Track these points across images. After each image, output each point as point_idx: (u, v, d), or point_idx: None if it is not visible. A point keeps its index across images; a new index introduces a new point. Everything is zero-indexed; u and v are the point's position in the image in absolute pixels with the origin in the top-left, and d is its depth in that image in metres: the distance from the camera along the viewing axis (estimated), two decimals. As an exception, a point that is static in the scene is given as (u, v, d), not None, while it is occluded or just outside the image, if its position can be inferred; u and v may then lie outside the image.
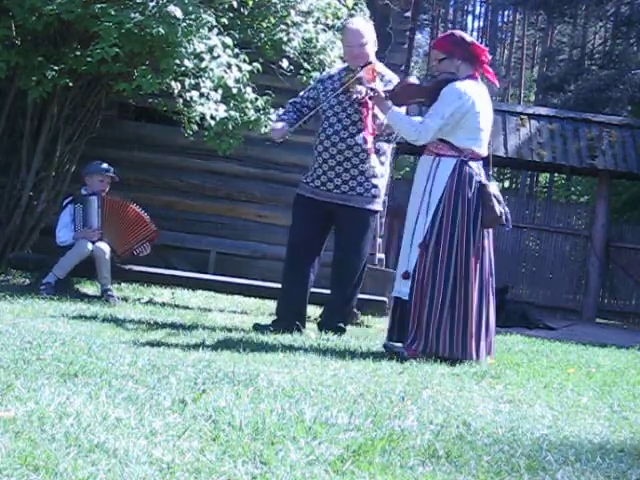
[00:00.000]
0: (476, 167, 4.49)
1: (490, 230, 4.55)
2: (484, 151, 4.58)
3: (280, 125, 5.28)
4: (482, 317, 4.42)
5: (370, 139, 5.13)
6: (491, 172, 4.62)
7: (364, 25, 5.34)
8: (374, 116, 5.07)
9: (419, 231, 4.46)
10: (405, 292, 4.46)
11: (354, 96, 5.09)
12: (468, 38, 4.65)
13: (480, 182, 4.45)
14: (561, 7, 24.63)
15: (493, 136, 12.80)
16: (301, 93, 5.49)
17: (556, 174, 23.35)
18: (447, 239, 4.39)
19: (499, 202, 4.45)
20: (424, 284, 4.38)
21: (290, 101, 5.44)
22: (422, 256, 4.41)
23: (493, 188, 4.48)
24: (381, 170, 5.31)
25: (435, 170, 4.48)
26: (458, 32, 4.80)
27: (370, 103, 4.99)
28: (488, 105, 4.62)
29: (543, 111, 13.40)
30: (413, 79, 4.82)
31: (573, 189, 25.60)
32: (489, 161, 4.61)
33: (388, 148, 5.35)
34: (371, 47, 5.24)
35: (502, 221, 4.46)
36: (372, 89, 4.84)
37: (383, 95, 4.73)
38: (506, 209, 4.50)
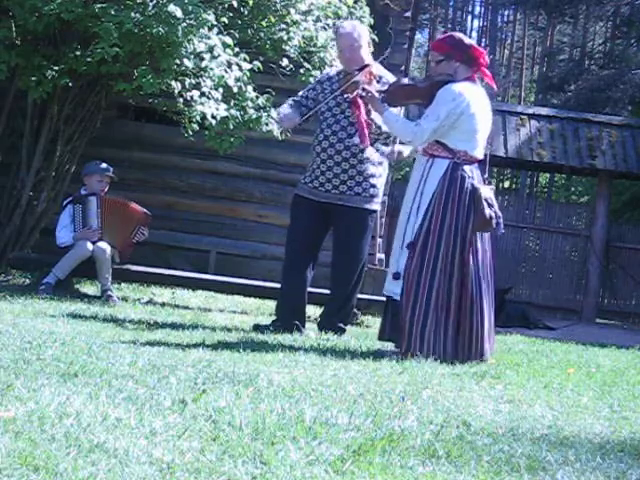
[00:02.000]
0: (469, 170, 4.46)
1: (487, 233, 4.51)
2: (479, 154, 4.55)
3: (290, 112, 5.27)
4: (475, 319, 4.38)
5: (365, 141, 5.08)
6: (487, 175, 4.59)
7: (355, 28, 5.26)
8: (371, 121, 5.05)
9: (409, 231, 4.46)
10: (397, 292, 4.46)
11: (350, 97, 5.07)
12: (467, 40, 4.62)
13: (472, 185, 4.41)
14: (561, 7, 24.62)
15: (493, 136, 12.84)
16: (300, 92, 5.48)
17: (556, 174, 23.35)
18: (435, 240, 4.37)
19: (490, 206, 4.41)
20: (412, 285, 4.37)
21: (289, 100, 5.43)
22: (411, 257, 4.40)
23: (485, 192, 4.44)
24: (379, 170, 5.31)
25: (428, 171, 4.48)
26: (457, 34, 4.78)
27: (361, 103, 4.95)
28: (485, 108, 4.58)
29: (543, 111, 13.38)
30: (408, 80, 4.79)
31: (573, 189, 25.58)
32: (486, 163, 4.59)
33: (387, 148, 5.35)
34: (365, 50, 5.21)
35: (492, 225, 4.42)
36: (364, 89, 4.79)
37: (377, 95, 4.70)
38: (498, 213, 4.46)
